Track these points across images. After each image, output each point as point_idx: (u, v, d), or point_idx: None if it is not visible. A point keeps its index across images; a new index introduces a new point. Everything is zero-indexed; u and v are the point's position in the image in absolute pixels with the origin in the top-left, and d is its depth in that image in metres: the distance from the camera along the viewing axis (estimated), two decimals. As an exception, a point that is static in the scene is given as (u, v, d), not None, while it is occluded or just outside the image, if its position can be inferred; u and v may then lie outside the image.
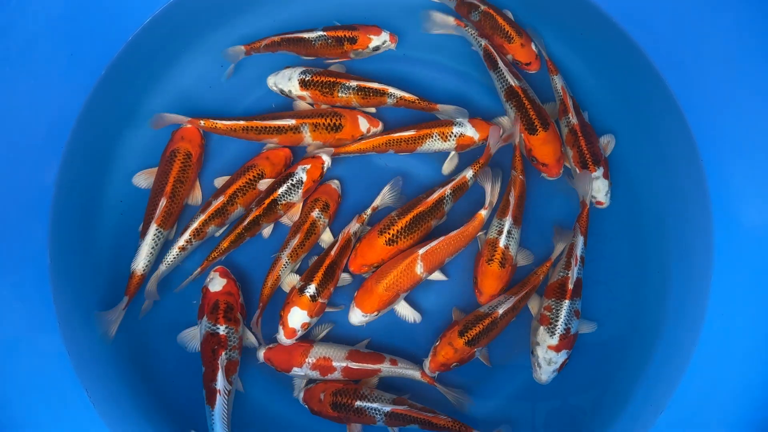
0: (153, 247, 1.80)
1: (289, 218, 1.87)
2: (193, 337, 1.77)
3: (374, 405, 1.69)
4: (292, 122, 1.85)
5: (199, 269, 1.80)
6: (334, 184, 1.91)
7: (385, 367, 1.76)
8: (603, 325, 1.82)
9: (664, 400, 1.73)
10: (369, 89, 1.88)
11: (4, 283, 1.72)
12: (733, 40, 1.84)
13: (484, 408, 1.81)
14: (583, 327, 1.79)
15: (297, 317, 1.72)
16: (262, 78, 1.94)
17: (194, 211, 1.87)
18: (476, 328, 1.71)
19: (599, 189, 1.84)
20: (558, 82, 1.92)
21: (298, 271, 1.86)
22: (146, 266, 1.80)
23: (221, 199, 1.81)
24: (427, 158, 1.94)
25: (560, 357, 1.71)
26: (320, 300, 1.74)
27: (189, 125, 1.87)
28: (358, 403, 1.69)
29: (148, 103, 1.95)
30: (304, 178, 1.82)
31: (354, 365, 1.75)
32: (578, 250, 1.77)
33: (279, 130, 1.85)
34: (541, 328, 1.73)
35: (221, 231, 1.86)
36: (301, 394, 1.76)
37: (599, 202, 1.86)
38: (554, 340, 1.71)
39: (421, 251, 1.75)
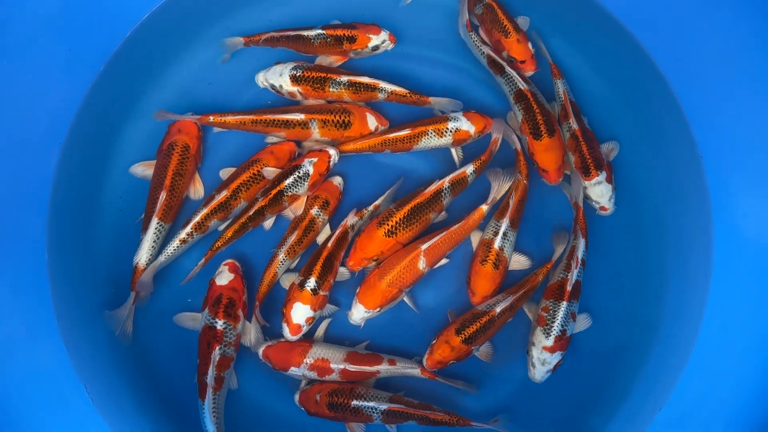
0: (155, 241, 1.80)
1: (293, 211, 1.87)
2: (190, 319, 1.78)
3: (371, 404, 1.70)
4: (301, 117, 1.85)
5: (203, 259, 1.79)
6: (336, 181, 1.90)
7: (384, 368, 1.76)
8: (602, 324, 1.83)
9: (662, 397, 1.73)
10: (360, 84, 1.88)
11: (2, 279, 1.72)
12: (736, 42, 1.85)
13: (483, 403, 1.82)
14: (581, 324, 1.80)
15: (300, 312, 1.72)
16: (262, 74, 1.94)
17: (196, 205, 1.87)
18: (473, 327, 1.71)
19: (602, 194, 1.83)
20: (560, 86, 1.91)
21: (297, 269, 1.85)
22: (149, 260, 1.80)
23: (224, 194, 1.81)
24: (429, 155, 1.95)
25: (554, 358, 1.72)
26: (321, 293, 1.74)
27: (197, 121, 1.88)
28: (354, 402, 1.70)
29: (147, 98, 1.95)
30: (311, 171, 1.81)
31: (352, 368, 1.75)
32: (579, 253, 1.77)
33: (287, 124, 1.85)
34: (538, 329, 1.74)
35: (224, 226, 1.85)
36: (297, 396, 1.75)
37: (603, 208, 1.84)
38: (549, 341, 1.71)
39: (424, 246, 1.76)
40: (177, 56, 1.98)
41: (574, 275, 1.75)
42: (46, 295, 1.73)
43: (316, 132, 1.86)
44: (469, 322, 1.72)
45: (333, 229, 1.85)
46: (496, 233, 1.80)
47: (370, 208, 1.86)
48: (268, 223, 1.87)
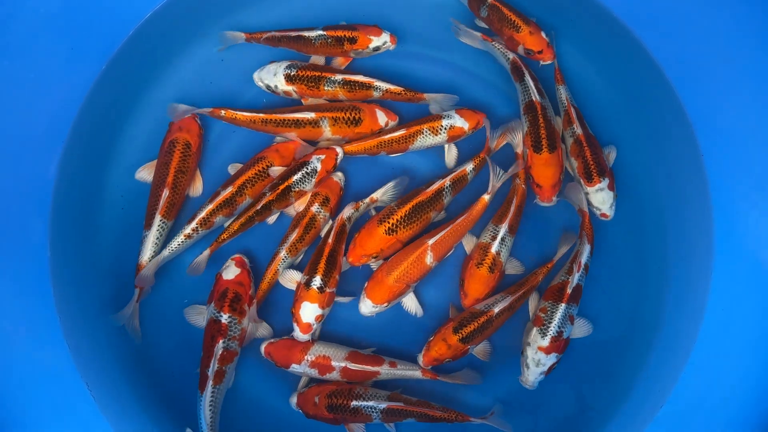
0: (158, 238, 1.81)
1: (295, 208, 1.88)
2: (198, 313, 1.79)
3: (370, 403, 1.70)
4: (311, 116, 1.85)
5: (208, 250, 1.80)
6: (337, 177, 1.91)
7: (384, 370, 1.76)
8: (603, 322, 1.84)
9: (662, 396, 1.73)
10: (355, 82, 1.89)
11: (4, 277, 1.72)
12: (740, 44, 1.85)
13: (483, 401, 1.82)
14: (580, 330, 1.80)
15: (309, 311, 1.73)
16: (263, 73, 1.94)
17: (195, 202, 1.88)
18: (471, 326, 1.72)
19: (604, 201, 1.82)
20: (563, 92, 1.91)
21: (299, 267, 1.86)
22: (152, 257, 1.80)
23: (230, 190, 1.82)
24: (428, 153, 1.95)
25: (549, 360, 1.72)
26: (328, 290, 1.74)
27: (208, 115, 1.88)
28: (354, 403, 1.70)
29: (149, 97, 1.95)
30: (319, 167, 1.82)
31: (353, 366, 1.75)
32: (583, 258, 1.78)
33: (298, 123, 1.86)
34: (534, 329, 1.74)
35: (229, 222, 1.85)
36: (294, 399, 1.76)
37: (604, 215, 1.83)
38: (545, 342, 1.71)
39: (431, 242, 1.77)
40: (179, 55, 1.98)
41: (575, 278, 1.75)
42: (48, 294, 1.72)
43: (327, 130, 1.87)
44: (467, 321, 1.73)
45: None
46: (494, 237, 1.80)
47: (366, 200, 1.86)
48: (272, 218, 1.88)
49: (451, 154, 1.94)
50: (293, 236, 1.82)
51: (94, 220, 1.87)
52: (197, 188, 1.92)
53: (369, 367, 1.76)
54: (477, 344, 1.76)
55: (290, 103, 1.96)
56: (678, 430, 1.71)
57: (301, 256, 1.87)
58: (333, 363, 1.75)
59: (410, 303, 1.85)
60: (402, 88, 1.91)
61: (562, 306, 1.73)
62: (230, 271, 1.78)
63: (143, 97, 1.95)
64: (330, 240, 1.78)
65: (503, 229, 1.80)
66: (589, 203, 1.83)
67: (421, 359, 1.75)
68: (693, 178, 1.82)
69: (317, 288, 1.73)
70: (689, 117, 1.83)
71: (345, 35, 1.90)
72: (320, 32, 1.91)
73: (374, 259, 1.80)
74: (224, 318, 1.72)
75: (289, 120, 1.86)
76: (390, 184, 1.87)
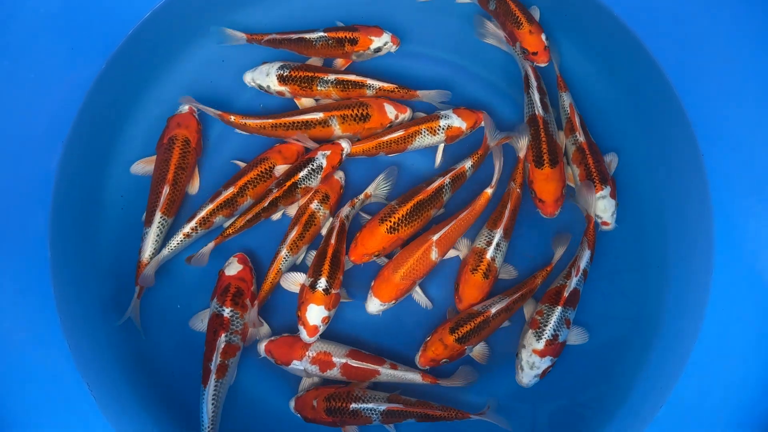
0: (158, 235, 1.81)
1: (299, 205, 1.89)
2: (202, 320, 1.79)
3: (370, 405, 1.70)
4: (319, 116, 1.85)
5: (213, 243, 1.79)
6: (337, 175, 1.91)
7: (385, 371, 1.76)
8: (603, 322, 1.85)
9: (662, 396, 1.74)
10: (348, 82, 1.89)
11: (5, 277, 1.72)
12: (737, 46, 1.85)
13: (482, 401, 1.80)
14: (576, 337, 1.80)
15: (315, 314, 1.73)
16: (264, 72, 1.93)
17: (193, 199, 1.88)
18: (467, 326, 1.73)
19: (605, 209, 1.83)
20: (566, 99, 1.91)
21: (300, 267, 1.87)
22: (152, 255, 1.81)
23: (231, 190, 1.81)
24: (427, 150, 1.95)
25: (543, 363, 1.72)
26: (333, 291, 1.74)
27: (218, 118, 1.88)
28: (353, 405, 1.70)
29: (149, 96, 1.95)
30: (324, 163, 1.82)
31: (354, 363, 1.75)
32: (582, 263, 1.78)
33: (307, 124, 1.86)
34: (530, 331, 1.74)
35: (236, 218, 1.85)
36: (292, 404, 1.75)
37: (605, 223, 1.84)
38: (540, 345, 1.72)
39: (435, 237, 1.77)
40: (178, 55, 1.98)
41: (573, 282, 1.76)
42: (48, 294, 1.72)
43: (337, 128, 1.87)
44: (464, 322, 1.73)
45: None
46: (489, 243, 1.80)
47: (361, 196, 1.87)
48: (276, 215, 1.89)
49: (439, 155, 1.94)
50: (293, 234, 1.82)
51: (94, 219, 1.87)
52: (195, 186, 1.92)
53: (370, 365, 1.76)
54: (474, 345, 1.77)
55: (287, 103, 1.97)
56: (678, 430, 1.73)
57: (303, 255, 1.87)
58: (334, 359, 1.75)
59: (418, 297, 1.86)
60: (395, 86, 1.91)
61: (558, 309, 1.74)
62: (232, 268, 1.79)
63: (143, 97, 1.94)
64: (332, 241, 1.78)
65: (498, 235, 1.80)
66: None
67: (418, 359, 1.76)
68: (693, 179, 1.83)
69: (323, 290, 1.73)
70: (689, 117, 1.83)
71: (346, 36, 1.90)
72: (321, 33, 1.90)
73: (376, 258, 1.81)
74: (226, 312, 1.73)
75: (298, 122, 1.86)
76: (380, 177, 1.88)
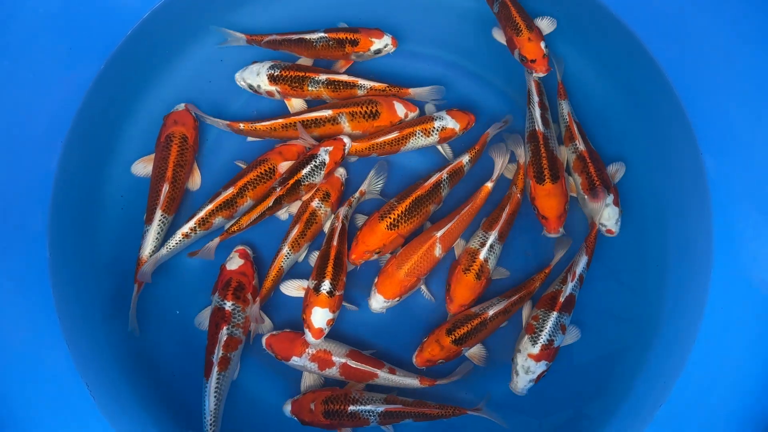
0: (159, 233, 1.82)
1: (294, 210, 1.90)
2: (206, 317, 1.80)
3: (368, 407, 1.71)
4: (329, 113, 1.85)
5: (218, 238, 1.80)
6: (338, 173, 1.91)
7: (383, 374, 1.77)
8: (603, 322, 1.86)
9: (662, 395, 1.74)
10: (339, 82, 1.89)
11: (3, 277, 1.72)
12: (738, 47, 1.85)
13: (480, 399, 1.80)
14: (568, 337, 1.79)
15: (320, 316, 1.73)
16: (264, 72, 1.92)
17: (193, 196, 1.89)
18: (464, 328, 1.74)
19: (610, 216, 1.82)
20: (565, 107, 1.91)
21: (301, 266, 1.88)
22: (152, 252, 1.81)
23: (231, 191, 1.81)
24: (424, 149, 1.96)
25: (538, 367, 1.72)
26: (337, 293, 1.75)
27: (227, 129, 1.89)
28: (351, 407, 1.71)
29: (148, 96, 1.94)
30: (327, 159, 1.81)
31: (353, 363, 1.76)
32: (578, 268, 1.78)
33: (317, 122, 1.86)
34: (526, 336, 1.74)
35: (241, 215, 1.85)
36: (288, 407, 1.76)
37: (609, 231, 1.83)
38: (535, 349, 1.71)
39: (439, 234, 1.78)
40: (177, 55, 1.97)
41: (568, 288, 1.76)
42: (47, 294, 1.72)
43: (346, 126, 1.87)
44: (461, 323, 1.74)
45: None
46: (483, 244, 1.81)
47: (356, 195, 1.88)
48: (284, 215, 1.90)
49: (447, 151, 1.95)
50: (295, 232, 1.83)
51: (93, 219, 1.87)
52: (196, 182, 1.92)
53: (369, 368, 1.77)
54: (470, 347, 1.78)
55: (282, 107, 1.97)
56: (678, 430, 1.73)
57: (305, 253, 1.88)
58: (334, 358, 1.76)
59: (423, 292, 1.87)
60: (386, 85, 1.91)
61: (554, 314, 1.74)
62: (234, 262, 1.81)
63: (142, 97, 1.94)
64: (335, 243, 1.79)
65: (493, 236, 1.81)
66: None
67: (414, 359, 1.77)
68: (693, 180, 1.84)
69: (327, 292, 1.73)
70: (689, 119, 1.84)
71: (347, 37, 1.89)
72: (321, 34, 1.90)
73: (376, 255, 1.81)
74: (228, 305, 1.74)
75: (308, 120, 1.86)
76: (371, 173, 1.88)
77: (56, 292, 1.74)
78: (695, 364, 1.74)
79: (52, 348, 1.70)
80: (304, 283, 1.83)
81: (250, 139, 1.94)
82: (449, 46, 2.03)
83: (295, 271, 1.89)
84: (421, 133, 1.87)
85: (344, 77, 1.89)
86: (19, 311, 1.72)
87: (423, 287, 1.86)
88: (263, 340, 1.78)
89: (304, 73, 1.88)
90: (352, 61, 1.95)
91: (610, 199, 1.82)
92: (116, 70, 1.86)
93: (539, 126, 1.86)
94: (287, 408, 1.76)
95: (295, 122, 1.85)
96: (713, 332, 1.75)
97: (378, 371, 1.77)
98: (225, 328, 1.73)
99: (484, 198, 1.84)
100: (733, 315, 1.76)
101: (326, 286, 1.74)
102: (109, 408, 1.70)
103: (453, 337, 1.73)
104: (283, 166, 1.84)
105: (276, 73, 1.88)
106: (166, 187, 1.81)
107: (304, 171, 1.80)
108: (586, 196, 1.82)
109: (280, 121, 1.87)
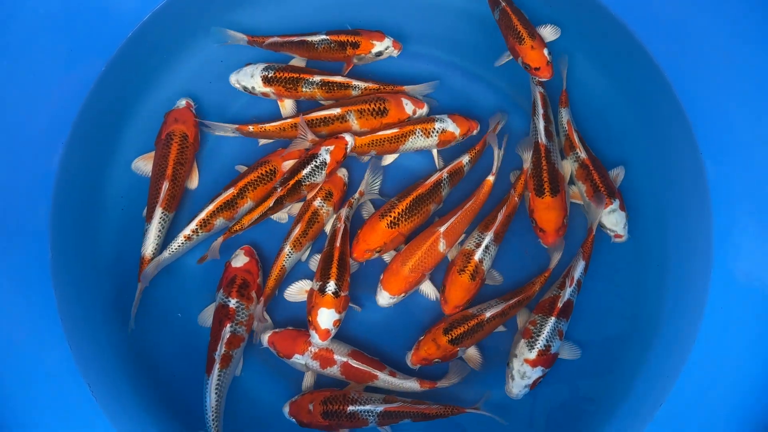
0: (160, 230, 1.83)
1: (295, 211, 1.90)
2: (211, 314, 1.81)
3: (367, 407, 1.71)
4: (337, 111, 1.86)
5: (221, 237, 1.80)
6: (341, 172, 1.91)
7: (383, 376, 1.77)
8: (603, 321, 1.87)
9: (662, 394, 1.74)
10: (333, 83, 1.89)
11: (5, 277, 1.73)
12: (740, 48, 1.85)
13: (479, 398, 1.81)
14: (567, 352, 1.79)
15: (326, 317, 1.72)
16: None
17: (194, 195, 1.90)
18: (461, 328, 1.73)
19: (617, 222, 1.81)
20: (565, 115, 1.91)
21: (302, 264, 1.89)
22: (155, 250, 1.82)
23: (231, 191, 1.82)
24: (425, 151, 1.96)
25: (534, 373, 1.71)
26: (342, 293, 1.75)
27: (236, 133, 1.89)
28: (350, 408, 1.71)
29: (149, 97, 1.95)
30: (328, 159, 1.80)
31: (354, 363, 1.76)
32: (576, 273, 1.78)
33: (326, 121, 1.86)
34: (522, 341, 1.74)
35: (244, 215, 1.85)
36: (287, 408, 1.76)
37: (618, 236, 1.83)
38: (532, 354, 1.71)
39: (442, 229, 1.79)
40: (178, 55, 1.98)
41: (566, 293, 1.75)
42: (49, 295, 1.73)
43: (354, 123, 1.87)
44: (458, 323, 1.74)
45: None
46: (478, 245, 1.80)
47: (356, 195, 1.88)
48: (284, 218, 1.90)
49: (438, 161, 1.95)
50: (296, 231, 1.83)
51: (94, 220, 1.88)
52: (193, 180, 1.93)
53: (369, 368, 1.77)
54: (467, 347, 1.78)
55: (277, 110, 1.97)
56: (678, 429, 1.73)
57: (307, 252, 1.89)
58: (335, 357, 1.77)
59: (427, 289, 1.87)
60: (380, 84, 1.92)
61: (552, 320, 1.73)
62: (239, 260, 1.82)
63: (143, 97, 1.95)
64: (338, 243, 1.78)
65: (488, 237, 1.81)
66: (602, 226, 1.83)
67: (410, 358, 1.77)
68: (693, 180, 1.84)
69: (332, 293, 1.73)
70: (689, 119, 1.84)
71: (348, 40, 1.89)
72: (323, 36, 1.90)
73: (377, 254, 1.82)
74: (232, 303, 1.76)
75: (317, 119, 1.86)
76: (367, 173, 1.88)
77: (58, 293, 1.75)
78: (695, 364, 1.74)
79: (54, 348, 1.71)
80: (306, 285, 1.84)
81: (262, 142, 1.95)
82: (449, 47, 2.03)
83: (296, 275, 1.89)
84: (420, 133, 1.86)
85: (338, 78, 1.90)
86: (20, 311, 1.73)
87: (429, 284, 1.86)
88: (265, 338, 1.78)
89: (298, 75, 1.89)
90: (353, 63, 1.95)
91: (616, 204, 1.82)
92: (117, 71, 1.87)
93: (542, 138, 1.85)
94: (286, 410, 1.76)
95: (306, 120, 1.85)
96: (713, 332, 1.75)
97: (378, 373, 1.77)
98: (228, 325, 1.74)
99: (487, 192, 1.84)
100: (733, 315, 1.76)
101: (331, 286, 1.74)
102: (110, 407, 1.70)
103: (450, 336, 1.73)
104: (286, 166, 1.85)
105: (270, 75, 1.88)
106: (166, 185, 1.82)
107: (305, 171, 1.80)
108: (591, 203, 1.82)
109: (289, 121, 1.87)
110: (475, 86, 2.02)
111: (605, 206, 1.82)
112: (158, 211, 1.82)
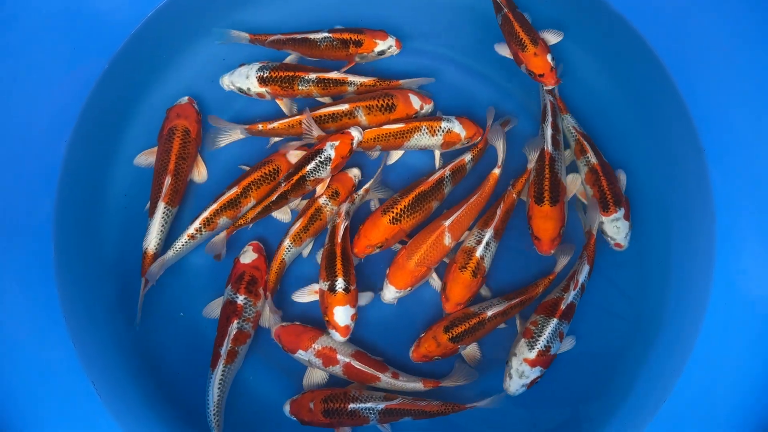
0: (163, 225, 1.83)
1: (297, 206, 1.91)
2: (216, 307, 1.83)
3: (368, 405, 1.71)
4: (345, 107, 1.85)
5: (225, 232, 1.81)
6: (352, 173, 1.91)
7: (386, 378, 1.77)
8: (604, 320, 1.87)
9: (664, 393, 1.74)
10: (329, 80, 1.89)
11: (9, 276, 1.73)
12: (741, 49, 1.84)
13: (482, 393, 1.82)
14: (562, 344, 1.79)
15: (342, 315, 1.74)
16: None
17: (200, 189, 1.91)
18: (462, 326, 1.74)
19: (619, 231, 1.81)
20: (570, 122, 1.90)
21: (303, 263, 1.89)
22: (158, 245, 1.83)
23: (234, 190, 1.82)
24: (428, 151, 1.96)
25: (533, 373, 1.71)
26: (352, 288, 1.76)
27: (246, 134, 1.89)
28: (351, 405, 1.71)
29: (151, 96, 1.95)
30: (333, 155, 1.80)
31: (356, 364, 1.76)
32: (580, 277, 1.77)
33: (334, 117, 1.86)
34: (522, 340, 1.74)
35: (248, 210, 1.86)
36: (288, 407, 1.76)
37: (618, 245, 1.83)
38: (532, 354, 1.71)
39: (447, 223, 1.79)
40: (180, 54, 1.97)
41: (570, 296, 1.75)
42: (53, 293, 1.74)
43: (363, 119, 1.87)
44: (459, 321, 1.75)
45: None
46: (479, 242, 1.80)
47: (360, 192, 1.88)
48: (287, 217, 1.90)
49: (438, 162, 1.95)
50: (297, 225, 1.84)
51: (97, 218, 1.88)
52: (202, 174, 1.94)
53: (372, 370, 1.77)
54: (467, 345, 1.79)
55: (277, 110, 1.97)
56: (678, 429, 1.74)
57: (309, 248, 1.89)
58: (338, 356, 1.77)
59: (435, 284, 1.88)
60: (375, 80, 1.91)
61: (554, 321, 1.73)
62: (247, 256, 1.83)
63: (145, 96, 1.95)
64: (339, 240, 1.79)
65: (488, 234, 1.80)
66: (603, 232, 1.83)
67: (411, 354, 1.78)
68: (696, 179, 1.83)
69: (343, 290, 1.74)
70: (692, 117, 1.83)
71: (351, 38, 1.89)
72: (326, 34, 1.89)
73: (378, 249, 1.82)
74: (240, 299, 1.77)
75: (325, 115, 1.86)
76: (378, 173, 1.88)
77: (61, 291, 1.75)
78: (696, 364, 1.74)
79: (58, 346, 1.71)
80: (315, 287, 1.84)
81: (273, 140, 1.95)
82: (450, 44, 2.03)
83: (300, 274, 1.91)
84: (426, 130, 1.86)
85: (334, 75, 1.89)
86: (24, 310, 1.74)
87: (435, 278, 1.87)
88: (273, 331, 1.79)
89: (293, 73, 1.88)
90: (355, 61, 1.94)
91: (620, 213, 1.81)
92: (119, 70, 1.87)
93: (548, 146, 1.84)
94: (286, 408, 1.77)
95: (312, 117, 1.84)
96: (714, 332, 1.75)
97: (381, 375, 1.77)
98: (236, 321, 1.75)
99: (492, 185, 1.84)
100: (735, 315, 1.76)
101: (341, 284, 1.74)
102: (114, 406, 1.71)
103: (450, 334, 1.74)
104: (294, 156, 1.85)
105: (266, 75, 1.88)
106: (168, 180, 1.82)
107: (309, 167, 1.79)
108: (590, 207, 1.82)
109: (297, 117, 1.87)
110: (475, 84, 2.02)
111: (609, 214, 1.81)
112: (161, 206, 1.82)
